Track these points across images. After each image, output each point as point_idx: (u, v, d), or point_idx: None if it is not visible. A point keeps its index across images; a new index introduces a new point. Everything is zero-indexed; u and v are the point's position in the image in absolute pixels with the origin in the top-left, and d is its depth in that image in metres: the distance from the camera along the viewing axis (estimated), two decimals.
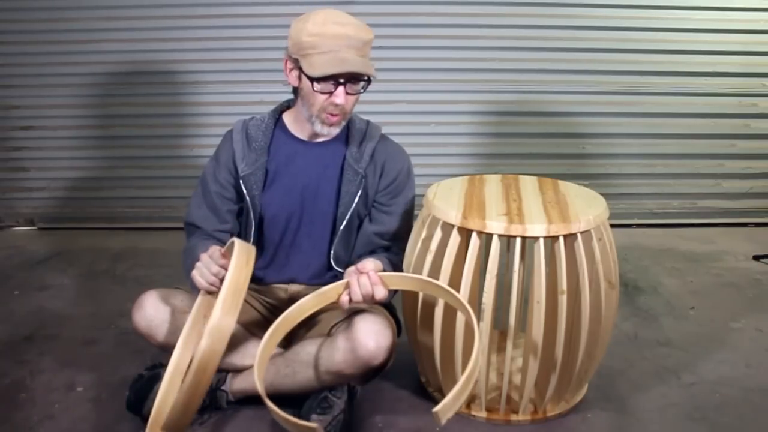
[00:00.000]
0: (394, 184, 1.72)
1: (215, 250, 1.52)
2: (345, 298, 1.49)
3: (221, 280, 1.43)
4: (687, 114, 3.02)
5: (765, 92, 3.01)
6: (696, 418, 1.68)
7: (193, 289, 1.60)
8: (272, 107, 1.76)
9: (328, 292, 1.51)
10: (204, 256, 1.51)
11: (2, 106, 3.01)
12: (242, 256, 1.41)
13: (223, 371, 1.65)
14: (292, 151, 1.70)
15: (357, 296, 1.48)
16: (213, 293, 1.50)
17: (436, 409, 1.21)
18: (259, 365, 1.38)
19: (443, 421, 1.23)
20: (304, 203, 1.70)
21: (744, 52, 2.95)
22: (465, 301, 1.43)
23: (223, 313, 1.33)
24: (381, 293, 1.48)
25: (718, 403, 1.74)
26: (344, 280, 1.51)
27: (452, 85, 2.97)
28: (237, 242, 1.44)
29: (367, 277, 1.48)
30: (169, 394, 1.47)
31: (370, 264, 1.52)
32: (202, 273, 1.50)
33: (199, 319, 1.53)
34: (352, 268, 1.53)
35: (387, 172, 1.71)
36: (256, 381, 1.34)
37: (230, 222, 1.72)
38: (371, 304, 1.54)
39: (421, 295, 1.59)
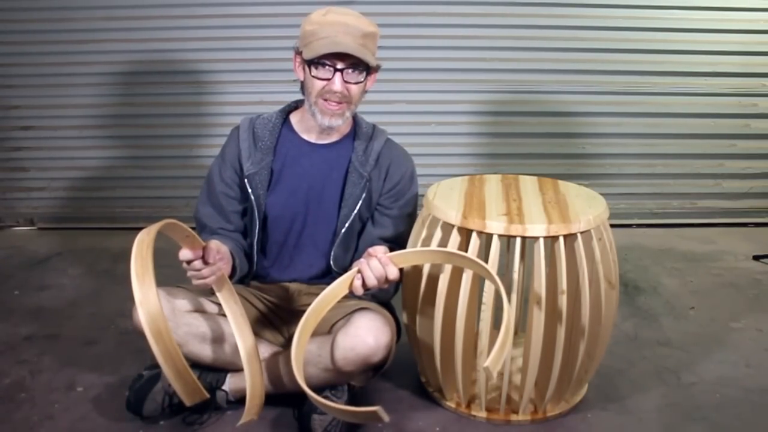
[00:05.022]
0: (397, 187, 1.72)
1: (186, 253, 1.54)
2: (357, 283, 1.48)
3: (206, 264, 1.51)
4: (687, 114, 3.02)
5: (765, 92, 3.01)
6: (696, 418, 1.68)
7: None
8: (272, 107, 1.76)
9: (342, 284, 1.50)
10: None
11: (2, 106, 3.00)
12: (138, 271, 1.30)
13: (224, 371, 1.66)
14: (298, 152, 1.70)
15: (371, 280, 1.46)
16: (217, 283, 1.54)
17: (486, 363, 1.22)
18: (297, 364, 1.37)
19: (494, 374, 1.24)
20: (308, 205, 1.70)
21: (744, 52, 2.95)
22: (477, 259, 1.43)
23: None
24: (394, 273, 1.47)
25: (718, 403, 1.74)
26: (355, 269, 1.50)
27: (452, 85, 2.97)
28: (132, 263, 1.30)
29: (377, 260, 1.47)
30: (255, 377, 1.52)
31: (379, 248, 1.51)
32: (192, 276, 1.53)
33: (233, 305, 1.57)
34: (361, 258, 1.52)
35: (391, 176, 1.71)
36: (297, 379, 1.33)
37: (234, 222, 1.72)
38: (383, 286, 1.52)
39: (421, 294, 1.59)
